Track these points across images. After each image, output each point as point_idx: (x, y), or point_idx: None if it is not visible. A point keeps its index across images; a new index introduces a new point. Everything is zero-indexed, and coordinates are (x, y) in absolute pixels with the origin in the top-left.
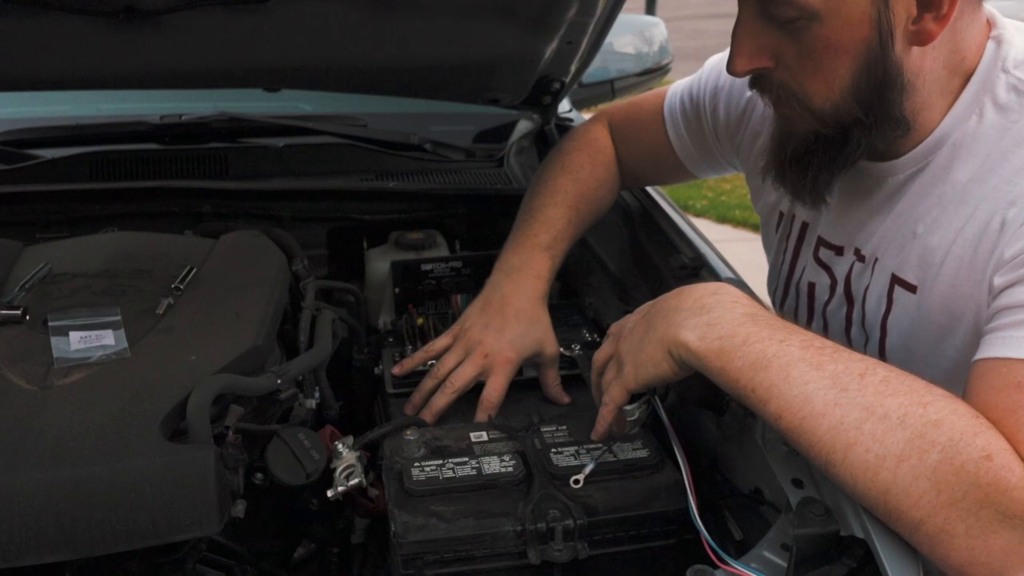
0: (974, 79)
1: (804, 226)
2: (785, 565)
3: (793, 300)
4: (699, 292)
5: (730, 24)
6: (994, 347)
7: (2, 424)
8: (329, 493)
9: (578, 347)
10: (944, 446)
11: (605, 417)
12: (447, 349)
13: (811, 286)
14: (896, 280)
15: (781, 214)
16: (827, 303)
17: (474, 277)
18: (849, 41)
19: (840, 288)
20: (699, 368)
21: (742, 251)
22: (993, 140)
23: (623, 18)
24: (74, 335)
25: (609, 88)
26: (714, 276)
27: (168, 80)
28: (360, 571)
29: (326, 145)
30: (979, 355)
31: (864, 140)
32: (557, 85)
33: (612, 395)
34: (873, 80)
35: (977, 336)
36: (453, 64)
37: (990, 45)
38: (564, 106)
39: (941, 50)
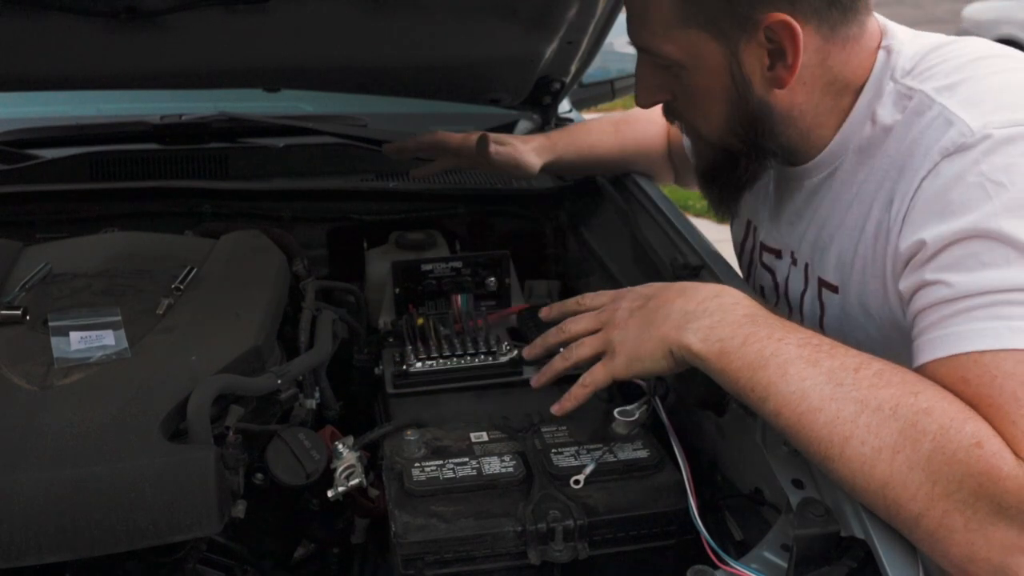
0: (865, 90)
1: (752, 228)
2: (785, 565)
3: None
4: (703, 294)
5: None
6: (926, 351)
7: (2, 424)
8: (329, 493)
9: None
10: (935, 434)
11: (578, 396)
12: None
13: (761, 289)
14: (822, 283)
15: (733, 217)
16: (775, 305)
17: (474, 277)
18: (714, 87)
19: (782, 291)
20: (701, 369)
21: None
22: (881, 143)
23: (623, 18)
24: (74, 335)
25: (609, 88)
26: (714, 276)
27: (168, 80)
28: (360, 571)
29: (326, 145)
30: (916, 362)
31: (751, 166)
32: (557, 85)
33: (595, 377)
34: (744, 118)
35: (895, 329)
36: (453, 64)
37: (880, 55)
38: (564, 106)
39: (814, 84)
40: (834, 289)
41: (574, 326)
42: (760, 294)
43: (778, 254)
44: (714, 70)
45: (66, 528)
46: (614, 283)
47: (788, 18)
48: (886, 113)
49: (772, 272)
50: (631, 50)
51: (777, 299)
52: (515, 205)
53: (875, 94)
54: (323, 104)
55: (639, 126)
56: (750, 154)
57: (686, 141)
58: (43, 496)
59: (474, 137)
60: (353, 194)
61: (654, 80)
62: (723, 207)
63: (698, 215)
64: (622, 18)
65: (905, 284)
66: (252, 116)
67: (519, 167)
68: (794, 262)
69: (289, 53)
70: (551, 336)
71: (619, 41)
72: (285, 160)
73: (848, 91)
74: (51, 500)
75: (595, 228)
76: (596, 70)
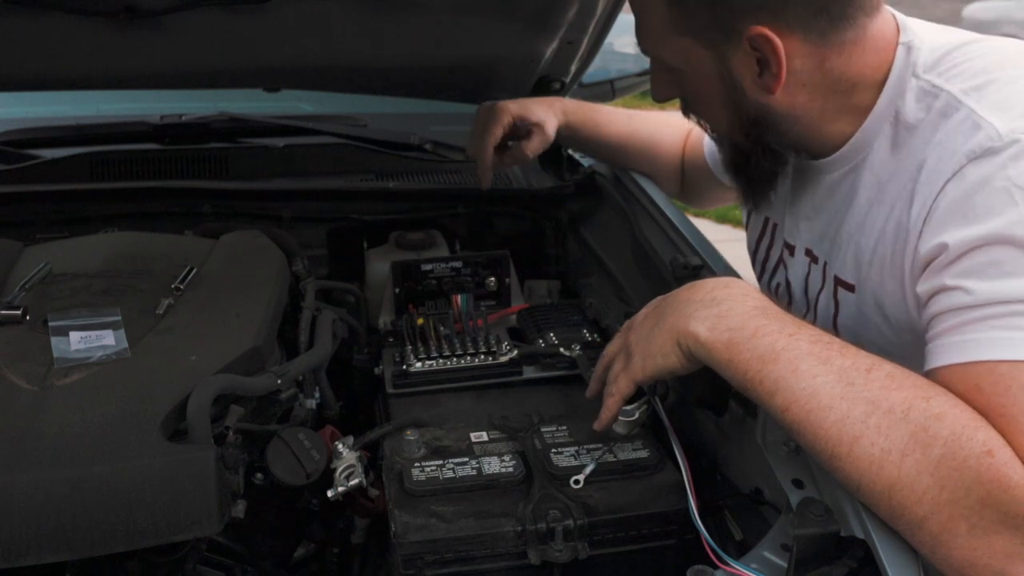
0: (886, 88)
1: (772, 225)
2: (785, 565)
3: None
4: (710, 285)
5: None
6: (940, 356)
7: (2, 424)
8: (329, 493)
9: (578, 347)
10: (947, 440)
11: (611, 408)
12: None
13: (776, 287)
14: (838, 282)
15: (749, 214)
16: (789, 304)
17: (474, 277)
18: (711, 91)
19: (799, 289)
20: (707, 360)
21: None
22: (905, 142)
23: (623, 18)
24: (74, 335)
25: (609, 88)
26: (714, 276)
27: (168, 80)
28: (360, 571)
29: (326, 145)
30: (929, 365)
31: (764, 162)
32: (557, 85)
33: (619, 386)
34: (745, 119)
35: (911, 332)
36: (453, 64)
37: (900, 52)
38: None
39: (814, 86)
40: (850, 288)
41: (609, 347)
42: (775, 293)
43: (792, 250)
44: (708, 76)
45: (66, 528)
46: (614, 283)
47: (767, 31)
48: (909, 111)
49: (787, 269)
50: (631, 50)
51: (791, 297)
52: (515, 205)
53: (897, 91)
54: (323, 104)
55: (653, 124)
56: (759, 151)
57: (708, 147)
58: (43, 496)
59: (498, 133)
60: (353, 194)
61: (664, 79)
62: (748, 199)
63: (698, 215)
64: (622, 18)
65: (923, 287)
66: (252, 116)
67: (544, 144)
68: (814, 260)
69: (289, 53)
70: (599, 367)
71: (619, 41)
72: (285, 160)
73: (862, 88)
74: (51, 500)
75: (595, 228)
76: (596, 70)
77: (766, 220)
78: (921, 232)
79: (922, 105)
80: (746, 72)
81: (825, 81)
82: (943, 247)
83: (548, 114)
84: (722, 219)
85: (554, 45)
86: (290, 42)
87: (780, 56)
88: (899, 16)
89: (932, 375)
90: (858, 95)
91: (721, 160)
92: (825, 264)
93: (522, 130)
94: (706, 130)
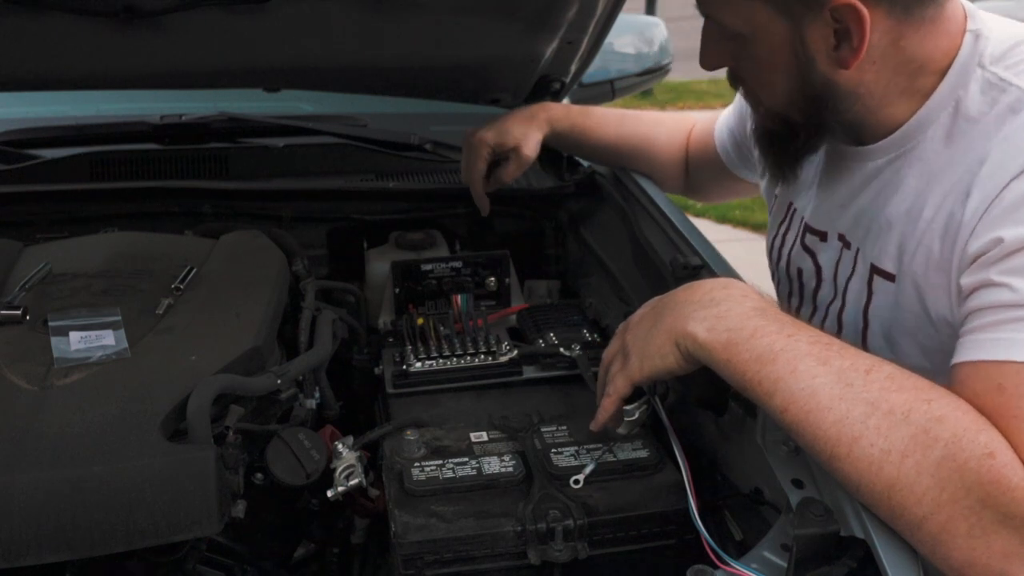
0: (949, 75)
1: (792, 210)
2: (785, 565)
3: (786, 285)
4: (709, 286)
5: None
6: (971, 350)
7: (2, 424)
8: (329, 493)
9: (578, 347)
10: (948, 442)
11: (607, 408)
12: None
13: (799, 272)
14: (875, 270)
15: (776, 195)
16: (816, 290)
17: (474, 277)
18: (777, 60)
19: (828, 275)
20: (706, 360)
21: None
22: (965, 134)
23: (623, 18)
24: (74, 335)
25: (609, 88)
26: (714, 276)
27: (168, 80)
28: (360, 571)
29: (326, 145)
30: (957, 359)
31: (811, 139)
32: (557, 85)
33: (616, 386)
34: (807, 92)
35: (949, 326)
36: (453, 64)
37: (968, 39)
38: None
39: (884, 64)
40: (889, 277)
41: (607, 351)
42: (797, 279)
43: (823, 236)
44: (777, 45)
45: (66, 528)
46: (614, 283)
47: (854, 1)
48: (972, 103)
49: (814, 255)
50: (631, 50)
51: (817, 283)
52: (515, 205)
53: (960, 80)
54: (323, 104)
55: (646, 124)
56: (810, 128)
57: (720, 140)
58: (43, 496)
59: (481, 167)
60: (353, 194)
61: (717, 47)
62: (779, 171)
63: (698, 215)
64: (622, 18)
65: (968, 280)
66: (252, 116)
67: (522, 167)
68: (846, 245)
69: (289, 53)
70: (601, 373)
71: (619, 41)
72: (285, 160)
73: (926, 73)
74: (51, 500)
75: (595, 228)
76: (596, 70)
77: (789, 205)
78: (975, 227)
79: (987, 98)
80: (821, 44)
81: (896, 60)
82: (997, 241)
83: (527, 131)
84: (722, 219)
85: (554, 45)
86: (290, 42)
87: (865, 28)
88: (967, 3)
89: (957, 369)
90: (921, 79)
91: (755, 133)
92: (858, 251)
93: (501, 153)
94: (749, 101)
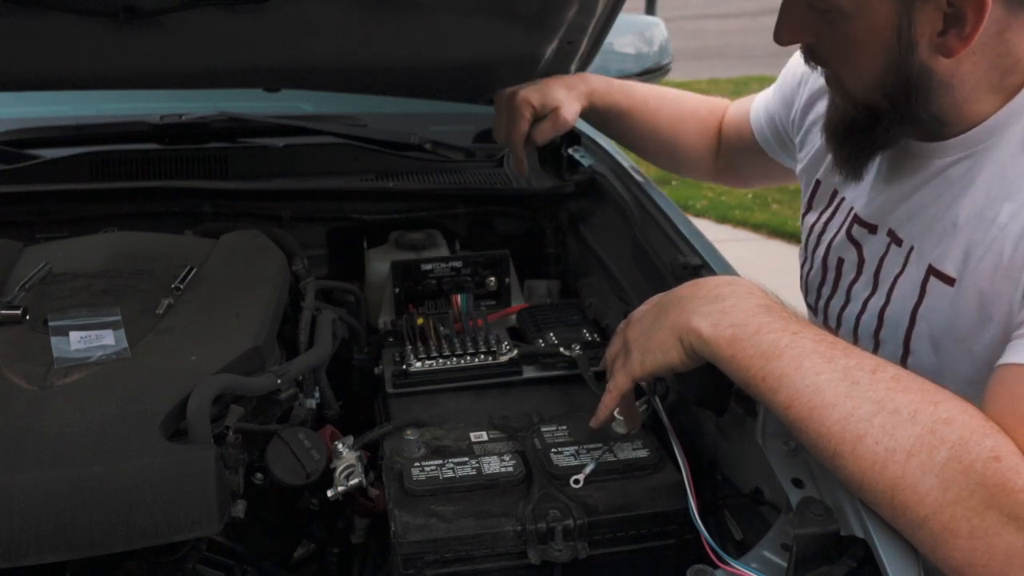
0: None
1: (839, 199)
2: (785, 565)
3: (819, 274)
4: (714, 282)
5: (731, 24)
6: (1019, 352)
7: (2, 424)
8: (329, 493)
9: (578, 347)
10: (954, 443)
11: (607, 404)
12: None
13: (839, 261)
14: (932, 271)
15: (818, 182)
16: (853, 281)
17: (474, 277)
18: (875, 41)
19: (870, 269)
20: (709, 356)
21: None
22: None
23: (623, 18)
24: (74, 335)
25: None
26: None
27: (168, 80)
28: (360, 571)
29: (326, 145)
30: (1003, 360)
31: (893, 129)
32: None
33: (617, 382)
34: (899, 78)
35: (1006, 335)
36: (453, 64)
37: None
38: None
39: (984, 55)
40: (948, 281)
41: (608, 350)
42: (835, 269)
43: (873, 229)
44: (880, 25)
45: (66, 528)
46: (614, 283)
47: None
48: None
49: (859, 247)
50: (631, 50)
51: (857, 275)
52: (515, 205)
53: None
54: (323, 104)
55: (679, 110)
56: (895, 117)
57: (756, 124)
58: (43, 496)
59: (524, 128)
60: (353, 194)
61: (803, 20)
62: (850, 166)
63: (698, 215)
64: (622, 18)
65: None
66: (252, 116)
67: (558, 130)
68: (896, 242)
69: (289, 53)
70: (607, 370)
71: (619, 41)
72: (285, 160)
73: (1017, 71)
74: (51, 500)
75: (595, 228)
76: (596, 70)
77: (834, 192)
78: None
79: None
80: (928, 28)
81: (995, 52)
82: None
83: (569, 98)
84: (722, 219)
85: (554, 45)
86: (290, 42)
87: (984, 16)
88: None
89: (1000, 369)
90: (1011, 77)
91: (829, 122)
92: (911, 249)
93: (541, 114)
94: (830, 83)
